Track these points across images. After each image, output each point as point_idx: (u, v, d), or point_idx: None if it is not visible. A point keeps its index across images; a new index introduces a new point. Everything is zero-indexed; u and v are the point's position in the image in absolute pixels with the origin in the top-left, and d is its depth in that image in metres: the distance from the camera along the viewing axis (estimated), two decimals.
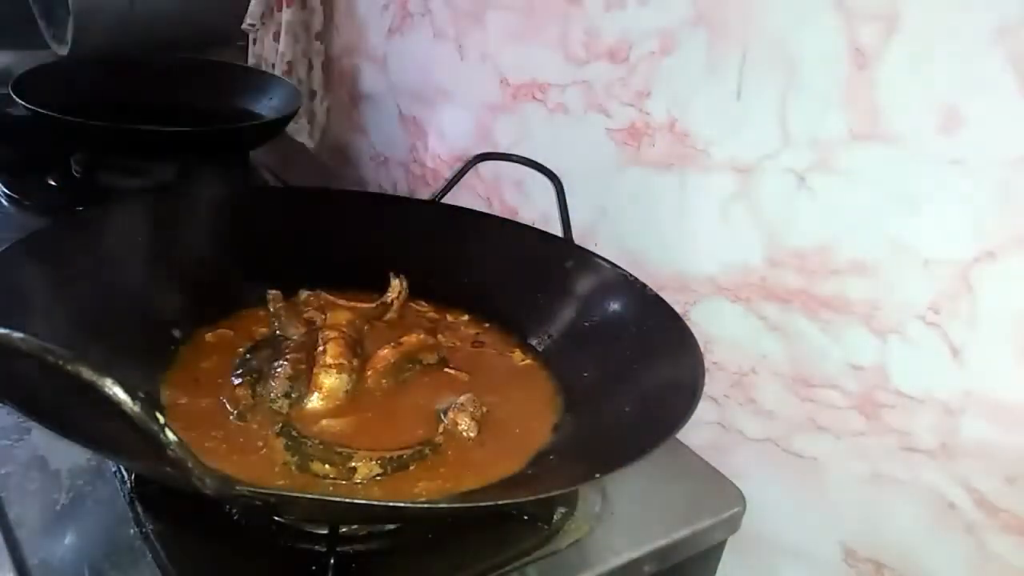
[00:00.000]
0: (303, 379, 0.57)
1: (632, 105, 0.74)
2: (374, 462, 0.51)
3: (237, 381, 0.57)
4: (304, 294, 0.69)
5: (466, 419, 0.56)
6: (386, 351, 0.62)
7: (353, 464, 0.51)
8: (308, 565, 0.49)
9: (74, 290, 0.56)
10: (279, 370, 0.57)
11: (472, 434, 0.56)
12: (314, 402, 0.56)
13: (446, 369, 0.64)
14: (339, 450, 0.51)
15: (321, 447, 0.52)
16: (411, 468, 0.52)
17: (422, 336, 0.65)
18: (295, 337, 0.63)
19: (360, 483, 0.51)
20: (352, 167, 1.24)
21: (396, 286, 0.70)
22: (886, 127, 0.55)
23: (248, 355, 0.60)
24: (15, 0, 1.17)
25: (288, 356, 0.59)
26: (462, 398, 0.58)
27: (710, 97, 0.66)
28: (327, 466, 0.51)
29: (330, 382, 0.57)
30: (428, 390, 0.61)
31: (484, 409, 0.58)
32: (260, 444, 0.53)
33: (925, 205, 0.54)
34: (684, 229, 0.72)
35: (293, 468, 0.51)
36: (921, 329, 0.56)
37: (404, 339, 0.64)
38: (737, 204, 0.66)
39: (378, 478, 0.51)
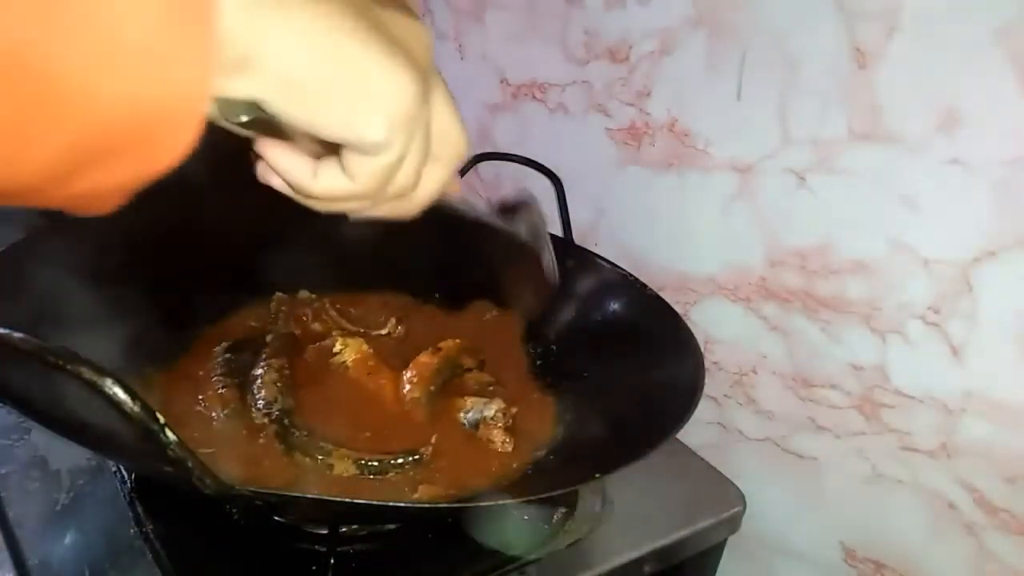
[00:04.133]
0: (289, 386, 0.57)
1: (632, 105, 0.74)
2: (350, 462, 0.51)
3: (220, 386, 0.57)
4: (303, 293, 0.69)
5: (500, 434, 0.56)
6: (426, 358, 0.62)
7: (331, 461, 0.51)
8: (308, 565, 0.49)
9: (74, 290, 0.56)
10: (262, 376, 0.56)
11: (509, 448, 0.56)
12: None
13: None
14: (321, 444, 0.51)
15: (307, 438, 0.52)
16: (390, 475, 0.52)
17: (459, 341, 0.65)
18: (269, 339, 0.62)
19: (347, 476, 0.51)
20: None
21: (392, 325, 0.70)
22: (886, 127, 0.55)
23: (228, 355, 0.59)
24: None
25: (269, 361, 0.58)
26: (490, 409, 0.58)
27: (710, 97, 0.66)
28: (307, 459, 0.51)
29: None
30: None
31: (514, 411, 0.58)
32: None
33: (925, 205, 0.54)
34: (684, 229, 0.72)
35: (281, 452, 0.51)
36: (921, 329, 0.56)
37: (442, 344, 0.64)
38: (737, 204, 0.66)
39: (359, 477, 0.51)
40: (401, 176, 0.31)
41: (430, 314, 0.72)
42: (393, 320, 0.69)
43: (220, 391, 0.56)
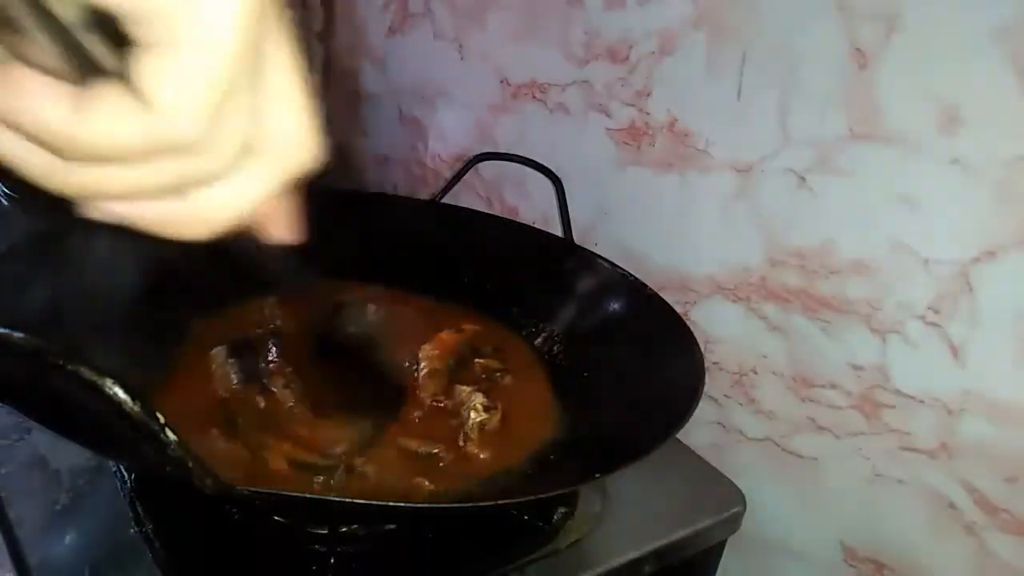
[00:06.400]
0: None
1: (632, 105, 0.74)
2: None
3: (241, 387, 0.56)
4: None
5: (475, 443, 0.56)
6: (447, 335, 0.62)
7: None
8: (308, 565, 0.49)
9: (74, 290, 0.56)
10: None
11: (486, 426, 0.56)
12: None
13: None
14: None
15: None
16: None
17: (478, 327, 0.65)
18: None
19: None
20: (352, 167, 1.24)
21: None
22: (886, 127, 0.55)
23: (233, 359, 0.59)
24: None
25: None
26: (476, 417, 0.57)
27: (710, 97, 0.66)
28: None
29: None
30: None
31: (496, 417, 0.58)
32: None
33: (925, 205, 0.54)
34: (684, 229, 0.72)
35: None
36: (921, 329, 0.56)
37: (465, 327, 0.64)
38: (737, 204, 0.66)
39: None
40: (229, 125, 0.19)
41: (420, 306, 0.71)
42: (372, 307, 0.69)
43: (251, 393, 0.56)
